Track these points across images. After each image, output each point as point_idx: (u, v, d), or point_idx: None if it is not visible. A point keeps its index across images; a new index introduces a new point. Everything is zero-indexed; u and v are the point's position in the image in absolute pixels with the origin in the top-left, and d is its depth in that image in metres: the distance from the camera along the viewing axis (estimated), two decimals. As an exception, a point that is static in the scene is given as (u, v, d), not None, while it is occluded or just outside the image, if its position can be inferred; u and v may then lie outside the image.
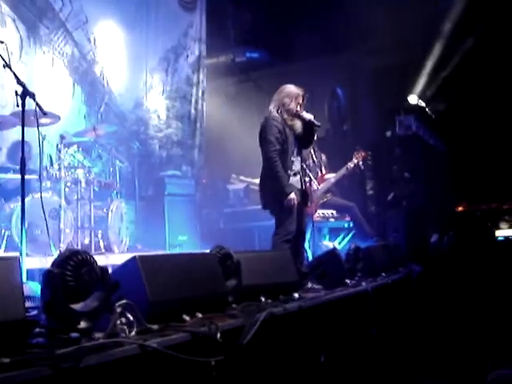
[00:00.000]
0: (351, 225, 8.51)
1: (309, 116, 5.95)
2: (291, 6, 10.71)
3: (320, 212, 8.27)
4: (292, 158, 6.01)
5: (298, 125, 6.03)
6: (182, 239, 9.34)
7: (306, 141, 6.16)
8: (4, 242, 6.42)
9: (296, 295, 4.27)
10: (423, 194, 9.76)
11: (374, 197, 10.29)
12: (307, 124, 5.99)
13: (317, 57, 10.01)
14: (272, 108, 6.07)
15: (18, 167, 6.81)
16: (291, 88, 6.11)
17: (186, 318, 3.08)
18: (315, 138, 6.24)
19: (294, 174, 6.04)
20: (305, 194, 6.08)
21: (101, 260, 6.47)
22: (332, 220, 8.50)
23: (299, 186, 6.06)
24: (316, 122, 5.94)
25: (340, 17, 10.14)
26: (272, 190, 5.96)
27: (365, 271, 5.84)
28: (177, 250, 8.75)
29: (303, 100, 6.08)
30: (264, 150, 6.00)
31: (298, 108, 6.00)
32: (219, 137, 11.57)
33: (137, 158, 8.92)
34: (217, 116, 11.94)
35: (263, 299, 3.92)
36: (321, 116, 10.11)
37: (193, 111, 12.05)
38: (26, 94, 4.44)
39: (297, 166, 6.08)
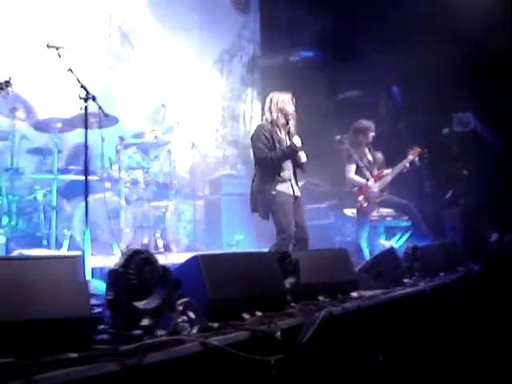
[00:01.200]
0: (408, 224, 8.42)
1: (296, 141, 6.29)
2: (345, 5, 10.67)
3: (377, 211, 8.20)
4: (281, 164, 6.31)
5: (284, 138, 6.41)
6: (238, 238, 9.39)
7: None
8: (67, 241, 6.59)
9: (354, 294, 4.26)
10: (482, 192, 9.57)
11: (431, 195, 10.13)
12: (289, 147, 6.30)
13: (371, 55, 9.92)
14: (268, 115, 6.44)
15: (79, 168, 7.03)
16: (282, 94, 6.49)
17: (246, 316, 3.11)
18: (302, 162, 6.43)
19: (283, 181, 6.31)
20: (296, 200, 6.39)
21: (159, 259, 6.54)
22: (389, 219, 8.42)
23: (290, 192, 6.34)
24: (299, 154, 6.34)
25: (394, 14, 10.04)
26: (262, 192, 6.29)
27: (422, 271, 5.76)
28: (233, 250, 8.80)
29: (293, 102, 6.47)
30: (255, 155, 6.47)
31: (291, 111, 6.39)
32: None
33: (194, 158, 9.00)
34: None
35: (321, 298, 3.92)
36: (376, 114, 10.04)
37: (248, 111, 12.12)
38: (88, 97, 4.55)
39: (286, 174, 6.35)
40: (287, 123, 6.40)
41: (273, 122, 6.41)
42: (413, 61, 10.47)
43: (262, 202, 6.29)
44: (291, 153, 6.30)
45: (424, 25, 10.08)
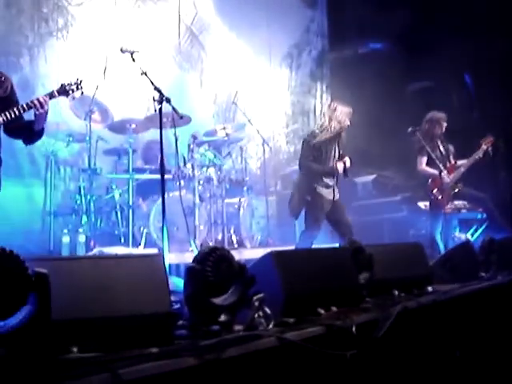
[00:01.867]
0: (484, 216, 8.24)
1: (339, 167, 6.83)
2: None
3: (452, 203, 8.06)
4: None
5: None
6: (311, 233, 9.39)
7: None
8: (143, 239, 6.75)
9: (430, 288, 4.22)
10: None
11: (507, 186, 9.88)
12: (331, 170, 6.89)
13: (441, 45, 9.75)
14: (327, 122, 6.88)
15: (153, 167, 7.20)
16: (344, 106, 6.92)
17: (321, 311, 3.13)
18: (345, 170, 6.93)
19: (326, 187, 6.85)
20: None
21: (234, 255, 6.65)
22: (464, 211, 8.25)
23: (330, 197, 6.86)
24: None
25: (464, 2, 9.85)
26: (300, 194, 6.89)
27: (500, 264, 5.61)
28: (306, 244, 8.82)
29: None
30: (300, 157, 6.96)
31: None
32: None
33: (265, 154, 9.07)
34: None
35: (396, 293, 3.91)
36: (448, 105, 9.86)
37: (318, 105, 12.10)
38: (162, 99, 4.66)
39: (329, 182, 6.89)
40: (340, 135, 6.86)
41: (327, 129, 6.80)
42: (485, 49, 10.24)
43: (298, 201, 6.94)
44: (331, 174, 6.84)
45: (495, 11, 9.83)
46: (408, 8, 10.45)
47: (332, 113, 6.88)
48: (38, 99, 4.54)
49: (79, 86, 4.98)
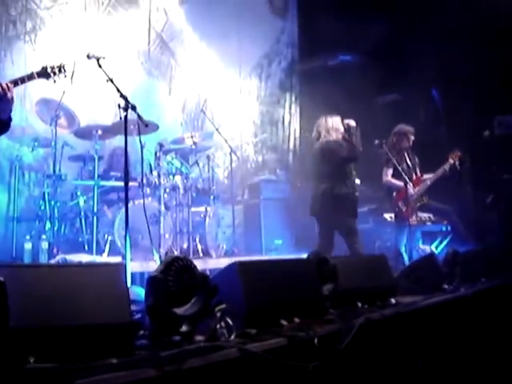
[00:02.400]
0: (448, 228, 8.32)
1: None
2: (383, 8, 10.61)
3: (416, 216, 8.13)
4: None
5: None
6: (277, 243, 9.40)
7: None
8: (107, 246, 6.68)
9: (393, 300, 4.24)
10: (524, 195, 9.42)
11: (472, 199, 10.00)
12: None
13: (410, 58, 9.85)
14: None
15: (119, 174, 7.14)
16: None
17: (284, 322, 3.13)
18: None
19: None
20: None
21: (199, 264, 6.53)
22: (429, 223, 8.32)
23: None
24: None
25: (433, 16, 9.98)
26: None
27: (463, 276, 5.68)
28: (273, 254, 8.81)
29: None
30: None
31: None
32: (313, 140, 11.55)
33: (232, 163, 9.06)
34: (311, 120, 11.93)
35: (360, 304, 3.92)
36: (415, 118, 9.96)
37: (287, 116, 12.14)
38: (128, 106, 4.61)
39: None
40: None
41: None
42: (453, 63, 10.36)
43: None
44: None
45: (464, 26, 9.97)
46: (379, 21, 10.54)
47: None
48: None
49: (62, 69, 4.84)
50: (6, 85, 4.36)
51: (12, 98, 4.38)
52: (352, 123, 7.21)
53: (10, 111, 4.51)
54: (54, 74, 4.79)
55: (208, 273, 6.32)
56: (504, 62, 9.61)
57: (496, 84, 9.59)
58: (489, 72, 9.47)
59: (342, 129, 7.27)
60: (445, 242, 8.39)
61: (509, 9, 9.34)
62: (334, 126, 7.33)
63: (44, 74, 4.75)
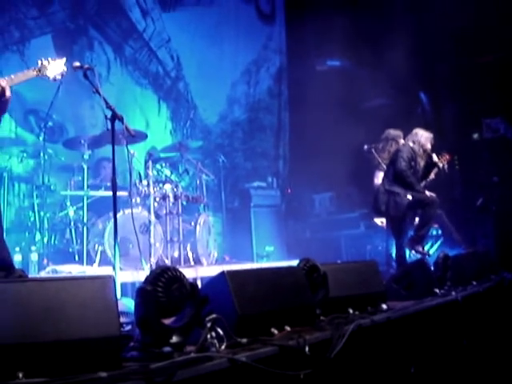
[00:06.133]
0: (439, 232, 8.34)
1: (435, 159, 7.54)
2: (370, 14, 10.65)
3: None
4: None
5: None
6: (268, 250, 9.41)
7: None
8: (98, 257, 6.66)
9: (384, 306, 4.24)
10: (513, 198, 9.45)
11: (462, 202, 10.04)
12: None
13: (398, 63, 9.88)
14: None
15: (109, 184, 7.11)
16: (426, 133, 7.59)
17: (275, 331, 3.12)
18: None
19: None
20: None
21: (190, 273, 6.61)
22: (419, 227, 8.34)
23: None
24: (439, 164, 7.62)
25: (420, 21, 10.03)
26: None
27: (454, 280, 5.68)
28: (264, 261, 8.82)
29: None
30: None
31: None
32: (303, 146, 11.58)
33: (222, 170, 9.05)
34: (300, 125, 11.97)
35: (351, 311, 3.92)
36: (405, 122, 9.99)
37: (276, 122, 12.15)
38: (115, 117, 4.59)
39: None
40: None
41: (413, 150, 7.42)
42: (441, 67, 10.42)
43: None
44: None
45: (451, 31, 10.03)
46: (365, 28, 10.58)
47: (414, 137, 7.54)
48: None
49: (58, 66, 4.76)
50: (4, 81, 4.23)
51: (9, 96, 4.24)
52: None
53: (7, 109, 4.39)
54: (53, 71, 4.71)
55: (199, 281, 6.36)
56: (492, 65, 9.66)
57: (484, 87, 9.64)
58: (477, 75, 9.51)
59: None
60: (436, 246, 8.42)
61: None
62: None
63: (42, 70, 4.67)
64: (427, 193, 7.30)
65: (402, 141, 8.24)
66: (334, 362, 3.10)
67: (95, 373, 2.22)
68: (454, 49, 10.51)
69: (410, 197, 7.13)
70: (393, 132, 8.27)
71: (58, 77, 4.77)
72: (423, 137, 7.50)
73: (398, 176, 7.23)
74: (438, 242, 8.43)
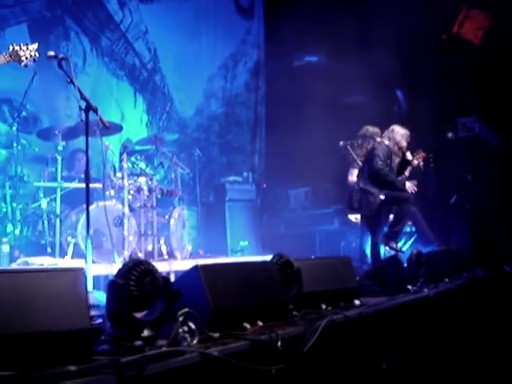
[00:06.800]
0: (413, 229, 8.39)
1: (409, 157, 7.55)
2: (349, 10, 10.67)
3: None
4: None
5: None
6: (243, 244, 9.40)
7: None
8: (71, 249, 6.59)
9: (357, 302, 4.25)
10: (488, 196, 9.53)
11: (436, 200, 10.11)
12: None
13: (375, 60, 9.92)
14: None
15: (82, 176, 7.04)
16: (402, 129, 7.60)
17: (247, 326, 3.11)
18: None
19: None
20: None
21: (164, 266, 6.58)
22: (393, 224, 8.38)
23: None
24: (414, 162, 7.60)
25: (398, 19, 10.07)
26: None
27: (427, 277, 5.72)
28: (238, 256, 8.80)
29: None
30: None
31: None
32: (279, 141, 11.58)
33: (198, 164, 9.02)
34: (276, 121, 11.96)
35: (324, 306, 3.92)
36: (380, 119, 10.02)
37: (252, 117, 12.13)
38: (89, 108, 4.53)
39: None
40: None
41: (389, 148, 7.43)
42: (417, 66, 10.47)
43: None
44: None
45: (428, 30, 10.08)
46: (344, 24, 10.59)
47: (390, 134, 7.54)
48: None
49: (32, 52, 4.70)
50: None
51: None
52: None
53: None
54: (25, 56, 4.66)
55: (173, 275, 6.33)
56: (467, 64, 9.73)
57: (460, 86, 9.70)
58: (453, 74, 9.57)
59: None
60: (409, 243, 8.46)
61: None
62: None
63: (14, 55, 4.62)
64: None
65: (379, 139, 8.26)
66: (306, 357, 3.10)
67: (64, 366, 2.19)
68: (432, 47, 10.57)
69: (382, 197, 7.14)
70: (371, 129, 8.28)
71: (30, 63, 4.72)
72: (399, 134, 7.50)
73: (375, 175, 7.23)
74: (412, 239, 8.48)
